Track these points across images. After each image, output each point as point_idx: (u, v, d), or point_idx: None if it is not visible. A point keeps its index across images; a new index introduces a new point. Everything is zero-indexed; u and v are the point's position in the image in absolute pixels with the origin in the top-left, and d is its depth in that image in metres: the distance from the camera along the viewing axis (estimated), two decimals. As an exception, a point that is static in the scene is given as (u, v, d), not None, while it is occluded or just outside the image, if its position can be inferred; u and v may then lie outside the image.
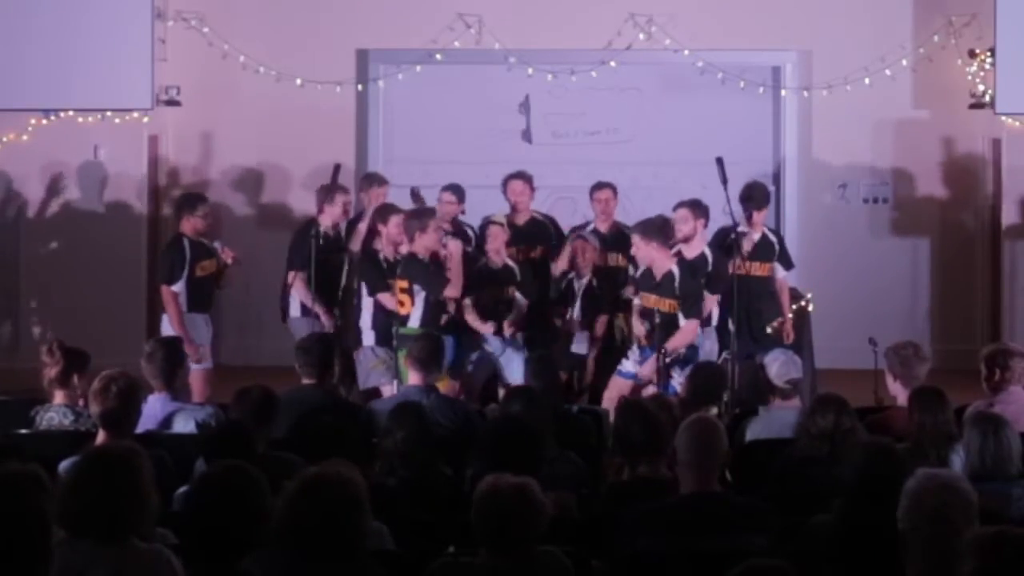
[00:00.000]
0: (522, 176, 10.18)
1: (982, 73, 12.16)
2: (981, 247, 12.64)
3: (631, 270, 9.78)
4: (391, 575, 4.48)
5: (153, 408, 6.90)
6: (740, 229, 9.53)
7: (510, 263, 9.72)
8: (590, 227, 10.21)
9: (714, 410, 7.06)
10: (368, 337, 9.26)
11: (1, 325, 12.25)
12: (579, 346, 9.82)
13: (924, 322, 12.62)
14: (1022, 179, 12.35)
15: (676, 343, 8.82)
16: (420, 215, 9.36)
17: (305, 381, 7.66)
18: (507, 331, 9.54)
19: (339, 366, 8.19)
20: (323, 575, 4.27)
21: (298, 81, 12.28)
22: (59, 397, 6.93)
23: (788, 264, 9.91)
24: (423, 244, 9.17)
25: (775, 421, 6.93)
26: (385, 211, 9.61)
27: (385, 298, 9.22)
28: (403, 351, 8.41)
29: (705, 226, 9.43)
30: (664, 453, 5.78)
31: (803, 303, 10.57)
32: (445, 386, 8.54)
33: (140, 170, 12.36)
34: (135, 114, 11.98)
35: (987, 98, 12.07)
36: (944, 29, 12.37)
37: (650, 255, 9.03)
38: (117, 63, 11.64)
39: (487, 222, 9.87)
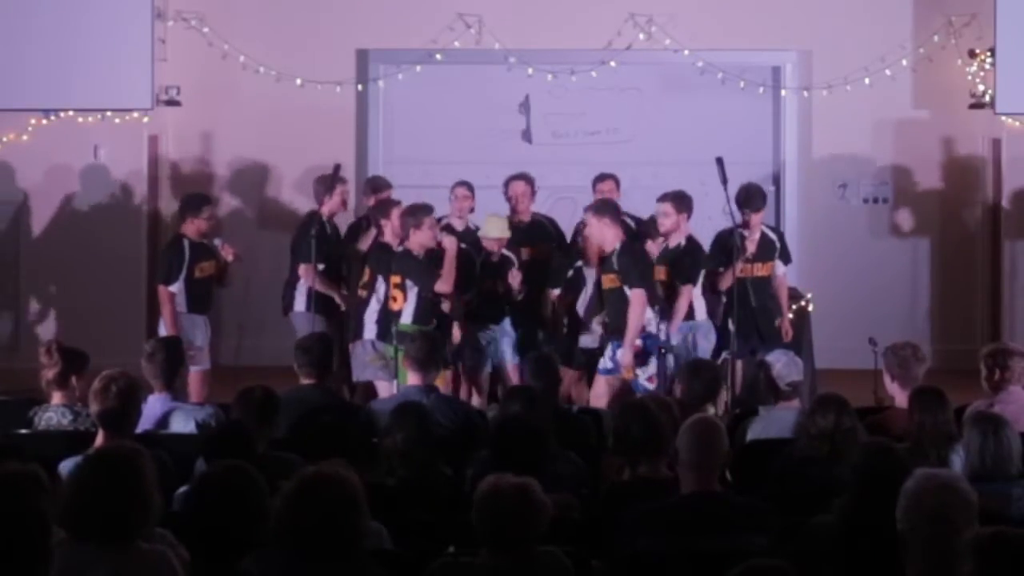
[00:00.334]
0: (524, 177, 10.19)
1: (982, 73, 12.16)
2: (981, 247, 12.64)
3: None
4: (391, 575, 4.48)
5: (153, 408, 6.90)
6: (741, 232, 9.52)
7: (508, 254, 9.72)
8: None
9: (712, 410, 7.06)
10: (370, 331, 9.25)
11: (1, 325, 12.24)
12: (590, 339, 9.67)
13: (924, 322, 12.62)
14: (1022, 179, 12.35)
15: (632, 322, 8.84)
16: (416, 212, 9.36)
17: (305, 381, 7.66)
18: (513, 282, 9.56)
19: (337, 361, 8.23)
20: (322, 575, 4.27)
21: (298, 81, 12.27)
22: (57, 398, 6.94)
23: (787, 259, 9.91)
24: (418, 240, 9.18)
25: (775, 421, 6.93)
26: (384, 206, 9.63)
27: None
28: (401, 350, 8.40)
29: (688, 219, 9.46)
30: (664, 453, 5.78)
31: (803, 303, 10.57)
32: (440, 380, 8.58)
33: (140, 170, 12.36)
34: (135, 114, 11.97)
35: (987, 98, 12.07)
36: (944, 29, 12.36)
37: (602, 232, 9.09)
38: (117, 63, 11.64)
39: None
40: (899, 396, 7.03)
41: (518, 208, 10.13)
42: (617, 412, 6.37)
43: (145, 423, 6.71)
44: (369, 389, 9.26)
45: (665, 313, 9.08)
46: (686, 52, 12.35)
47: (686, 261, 9.36)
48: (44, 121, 11.89)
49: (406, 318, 9.07)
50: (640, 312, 8.90)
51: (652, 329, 8.96)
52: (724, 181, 9.47)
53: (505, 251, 9.70)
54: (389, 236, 9.39)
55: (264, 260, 11.06)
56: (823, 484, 5.57)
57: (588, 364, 9.51)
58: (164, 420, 6.95)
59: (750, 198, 9.67)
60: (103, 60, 11.59)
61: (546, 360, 7.97)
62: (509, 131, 12.81)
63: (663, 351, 8.92)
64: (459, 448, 6.57)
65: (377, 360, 9.20)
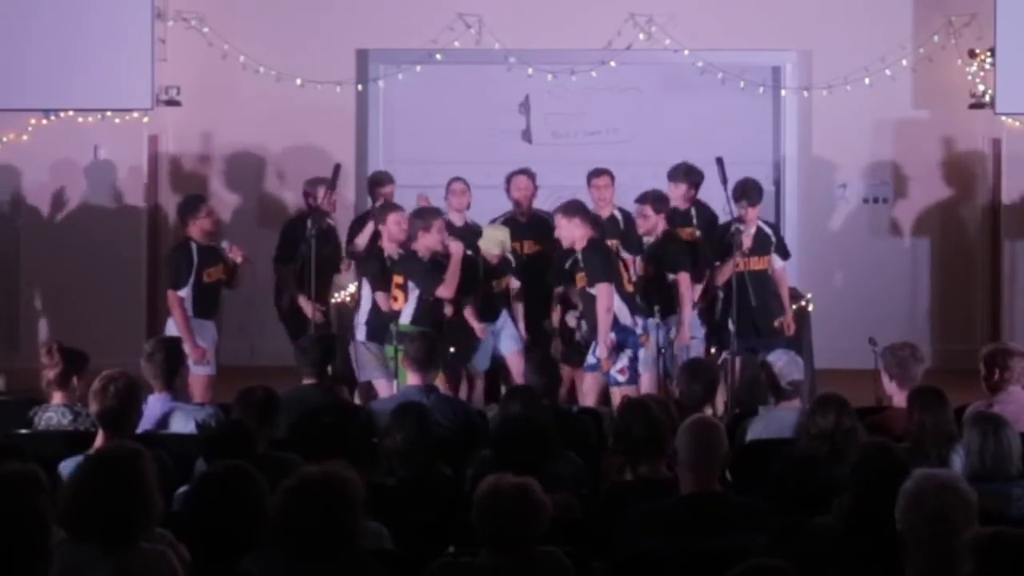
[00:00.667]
0: (526, 172, 10.26)
1: (982, 73, 12.15)
2: (981, 247, 12.64)
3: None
4: (391, 575, 4.48)
5: (153, 408, 6.90)
6: (738, 227, 9.54)
7: (508, 257, 9.74)
8: None
9: (709, 410, 7.07)
10: (360, 332, 9.27)
11: (1, 325, 12.24)
12: (578, 334, 9.67)
13: (924, 322, 12.62)
14: (1022, 179, 12.35)
15: (600, 316, 8.93)
16: (424, 214, 9.37)
17: (305, 381, 7.66)
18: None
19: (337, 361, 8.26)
20: (322, 575, 4.27)
21: (298, 81, 12.28)
22: (58, 398, 6.94)
23: (785, 254, 9.94)
24: (425, 243, 9.18)
25: (775, 421, 6.93)
26: (383, 210, 9.63)
27: (381, 297, 9.23)
28: (400, 349, 8.41)
29: (666, 219, 9.59)
30: (664, 453, 5.78)
31: (803, 303, 10.57)
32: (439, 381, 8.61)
33: (140, 170, 12.35)
34: (135, 114, 11.97)
35: (987, 98, 12.06)
36: (944, 29, 12.36)
37: (570, 232, 9.15)
38: (117, 63, 11.63)
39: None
40: (897, 396, 7.04)
41: (521, 203, 10.16)
42: (618, 412, 6.38)
43: (145, 423, 6.71)
44: (369, 389, 9.28)
45: (651, 309, 9.10)
46: (686, 52, 12.35)
47: (670, 249, 9.43)
48: (44, 121, 11.88)
49: (405, 318, 9.07)
50: (608, 306, 8.98)
51: (626, 322, 9.01)
52: (724, 181, 9.52)
53: (507, 255, 9.74)
54: (385, 241, 9.37)
55: (264, 260, 11.03)
56: (823, 484, 5.57)
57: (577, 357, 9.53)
58: (164, 420, 6.94)
59: (747, 191, 9.71)
60: (103, 60, 11.59)
61: (547, 359, 7.99)
62: (509, 131, 12.81)
63: (662, 351, 8.97)
64: (459, 448, 6.57)
65: (372, 360, 9.20)
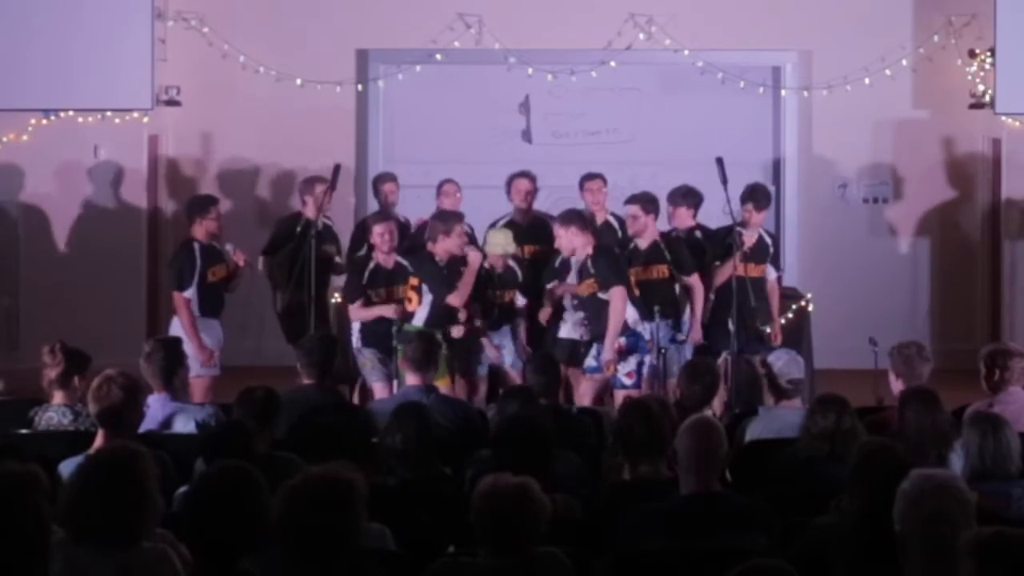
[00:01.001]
0: (527, 175, 10.23)
1: (982, 73, 12.16)
2: (981, 247, 12.64)
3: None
4: (391, 575, 4.48)
5: (153, 409, 6.89)
6: (739, 230, 9.54)
7: (512, 265, 9.70)
8: None
9: (708, 411, 7.06)
10: (355, 338, 9.28)
11: (1, 325, 12.24)
12: (572, 329, 9.56)
13: (924, 322, 12.62)
14: (1022, 179, 12.35)
15: (613, 319, 8.89)
16: (447, 219, 9.33)
17: (305, 381, 7.66)
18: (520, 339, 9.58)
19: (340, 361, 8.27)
20: (322, 575, 4.27)
21: (298, 81, 12.28)
22: (58, 397, 6.93)
23: (778, 266, 9.96)
24: (444, 247, 9.16)
25: (775, 421, 6.92)
26: (372, 219, 9.63)
27: (354, 309, 9.21)
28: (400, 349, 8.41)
29: (655, 220, 9.56)
30: (664, 453, 5.78)
31: (803, 303, 10.57)
32: (445, 385, 8.61)
33: (140, 170, 12.36)
34: (135, 114, 11.97)
35: (987, 98, 12.07)
36: (944, 29, 12.37)
37: (570, 241, 9.13)
38: (117, 63, 11.63)
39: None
40: (903, 395, 7.04)
41: (522, 206, 10.14)
42: (619, 412, 6.37)
43: (146, 424, 6.70)
44: (366, 393, 9.29)
45: (650, 312, 9.10)
46: (686, 52, 12.35)
47: (683, 252, 9.45)
48: (44, 121, 11.88)
49: (418, 321, 9.06)
50: (621, 309, 8.95)
51: (635, 327, 9.01)
52: (724, 181, 9.50)
53: (511, 263, 9.66)
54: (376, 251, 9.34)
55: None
56: (823, 484, 5.57)
57: (570, 357, 9.45)
58: (168, 422, 6.94)
59: (754, 194, 9.72)
60: (103, 60, 11.59)
61: (548, 359, 7.97)
62: (509, 131, 12.82)
63: (663, 351, 8.97)
64: (459, 448, 6.57)
65: (367, 364, 9.20)
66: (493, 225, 10.08)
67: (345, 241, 10.39)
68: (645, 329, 9.05)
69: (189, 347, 8.45)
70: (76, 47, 11.56)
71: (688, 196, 9.84)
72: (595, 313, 9.12)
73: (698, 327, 9.44)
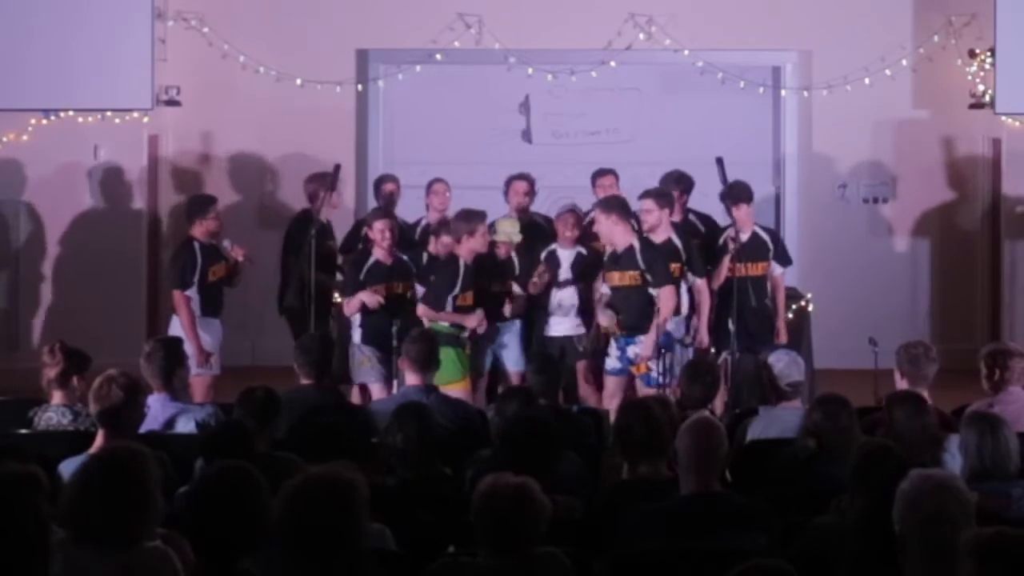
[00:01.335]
0: (525, 178, 10.21)
1: (982, 73, 12.16)
2: (981, 247, 12.64)
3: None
4: (391, 575, 4.48)
5: (154, 409, 6.89)
6: (731, 230, 9.55)
7: (513, 256, 9.69)
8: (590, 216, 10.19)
9: (707, 413, 7.06)
10: (356, 334, 9.27)
11: (1, 325, 12.24)
12: (562, 326, 9.58)
13: (924, 322, 12.62)
14: (1022, 179, 12.35)
15: (663, 317, 8.87)
16: (470, 218, 9.30)
17: (304, 381, 7.66)
18: (507, 311, 9.49)
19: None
20: (322, 575, 4.27)
21: (298, 81, 12.28)
22: (58, 397, 6.93)
23: (785, 260, 9.90)
24: (469, 247, 9.14)
25: (775, 421, 6.92)
26: (372, 215, 9.63)
27: (347, 303, 9.22)
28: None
29: (670, 215, 9.50)
30: (665, 453, 5.78)
31: (803, 303, 10.57)
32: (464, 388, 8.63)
33: (140, 170, 12.36)
34: (135, 114, 11.97)
35: (987, 98, 12.07)
36: (944, 29, 12.37)
37: (610, 229, 9.08)
38: (117, 63, 11.64)
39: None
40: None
41: (519, 208, 10.14)
42: (619, 411, 6.37)
43: (147, 424, 6.70)
44: (365, 392, 9.28)
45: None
46: (686, 52, 12.35)
47: (694, 255, 9.43)
48: (44, 121, 11.88)
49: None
50: (671, 307, 8.93)
51: (670, 327, 9.00)
52: (724, 181, 9.50)
53: (512, 254, 9.65)
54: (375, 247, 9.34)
55: (265, 260, 11.03)
56: (823, 484, 5.57)
57: (561, 355, 9.38)
58: (170, 423, 6.94)
59: (731, 191, 9.72)
60: (103, 60, 11.59)
61: (547, 359, 7.97)
62: (509, 131, 12.82)
63: (686, 346, 8.97)
64: (459, 448, 6.57)
65: (365, 362, 9.20)
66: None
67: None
68: (673, 327, 9.02)
69: (188, 346, 8.45)
70: (76, 47, 11.56)
71: (680, 181, 9.87)
72: (633, 306, 9.03)
73: (704, 330, 9.41)
